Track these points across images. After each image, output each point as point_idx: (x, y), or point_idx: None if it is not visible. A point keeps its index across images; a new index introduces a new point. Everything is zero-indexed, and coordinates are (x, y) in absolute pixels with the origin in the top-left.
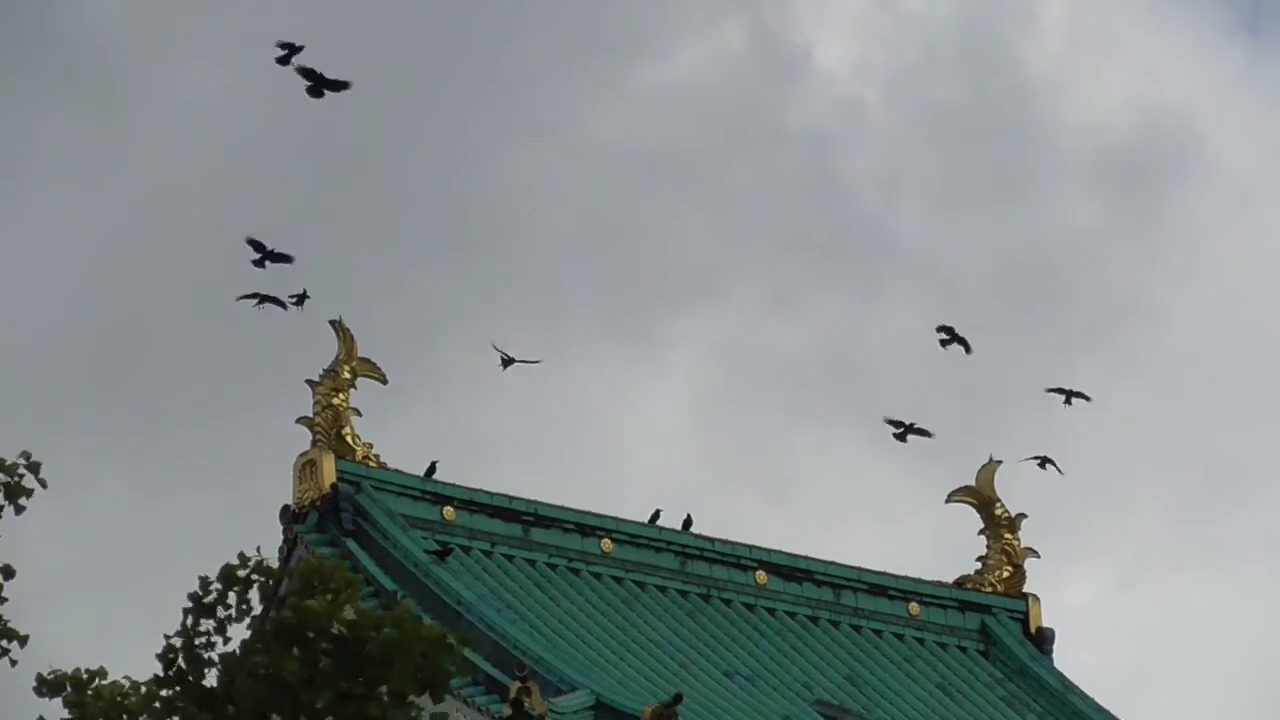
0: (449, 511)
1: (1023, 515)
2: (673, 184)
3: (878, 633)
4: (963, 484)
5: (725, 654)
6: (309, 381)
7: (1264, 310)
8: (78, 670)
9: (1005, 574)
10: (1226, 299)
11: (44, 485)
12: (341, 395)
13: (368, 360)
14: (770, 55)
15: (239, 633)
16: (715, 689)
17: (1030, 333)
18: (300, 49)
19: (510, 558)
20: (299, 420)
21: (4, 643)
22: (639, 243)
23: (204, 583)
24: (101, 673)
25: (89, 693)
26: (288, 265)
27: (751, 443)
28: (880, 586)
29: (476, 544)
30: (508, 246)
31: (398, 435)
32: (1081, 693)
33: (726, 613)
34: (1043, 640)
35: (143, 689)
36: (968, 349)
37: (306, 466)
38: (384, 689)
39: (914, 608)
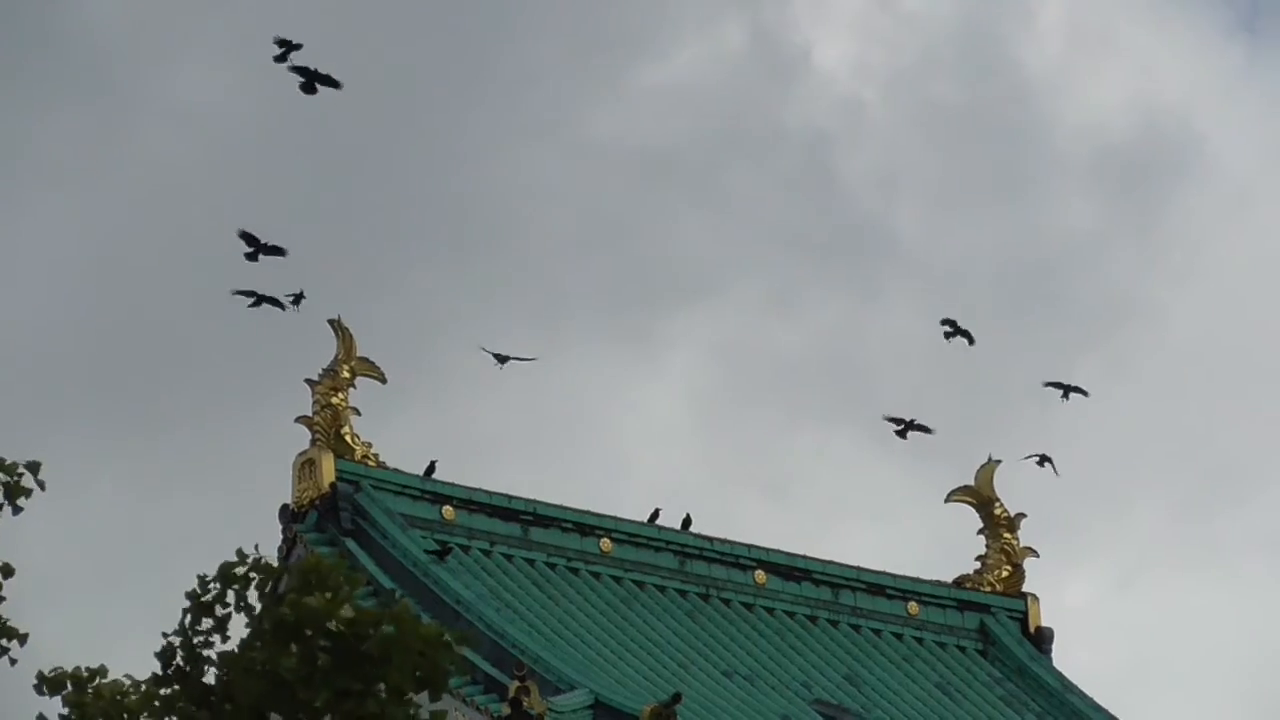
0: (448, 511)
1: (1022, 515)
2: (672, 184)
3: (876, 632)
4: (962, 483)
5: (724, 653)
6: (308, 381)
7: (1263, 310)
8: (78, 669)
9: (1004, 573)
10: (1225, 299)
11: (42, 488)
12: (340, 394)
13: (367, 359)
14: (769, 55)
15: (239, 631)
16: (714, 688)
17: (1029, 332)
18: (298, 46)
19: (509, 557)
20: (298, 419)
21: (3, 641)
22: (638, 242)
23: (202, 581)
24: (102, 671)
25: (89, 691)
26: (287, 264)
27: (750, 442)
28: (879, 586)
29: (475, 543)
30: (507, 246)
31: (397, 434)
32: (1080, 692)
33: (725, 612)
34: (1041, 640)
35: (142, 688)
36: (971, 340)
37: (305, 466)
38: (382, 687)
39: (913, 607)
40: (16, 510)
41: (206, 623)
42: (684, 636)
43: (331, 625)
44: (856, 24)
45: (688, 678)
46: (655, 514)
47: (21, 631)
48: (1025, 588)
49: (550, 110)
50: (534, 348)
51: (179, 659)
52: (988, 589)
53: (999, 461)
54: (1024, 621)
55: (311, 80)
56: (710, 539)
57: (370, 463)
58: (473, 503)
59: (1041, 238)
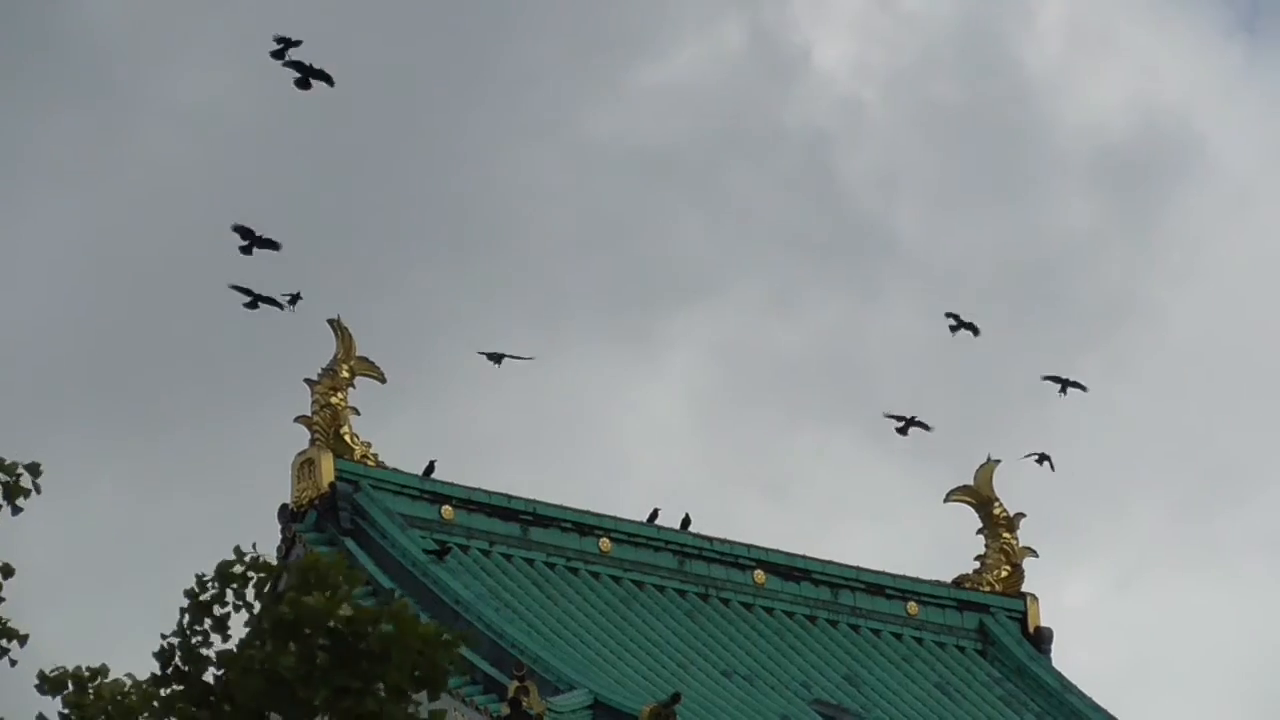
0: (447, 510)
1: (1021, 515)
2: (671, 184)
3: (876, 632)
4: (961, 483)
5: (723, 653)
6: (307, 380)
7: (1262, 310)
8: (79, 668)
9: (1003, 573)
10: (1225, 299)
11: (38, 490)
12: (340, 394)
13: (366, 359)
14: (769, 55)
15: (238, 630)
16: (713, 688)
17: (1029, 332)
18: (298, 43)
19: (508, 557)
20: (297, 419)
21: (3, 642)
22: (638, 242)
23: (200, 580)
24: (103, 671)
25: (89, 691)
26: (286, 264)
27: (750, 442)
28: (878, 586)
29: (475, 543)
30: (507, 246)
31: (396, 434)
32: (1079, 692)
33: (725, 612)
34: (1041, 640)
35: (143, 688)
36: (976, 332)
37: (305, 465)
38: (381, 686)
39: (912, 607)
40: (16, 510)
41: (205, 622)
42: (683, 636)
43: (331, 624)
44: (856, 24)
45: (687, 678)
46: (654, 514)
47: (22, 633)
48: (1024, 588)
49: (550, 110)
50: (534, 348)
51: (178, 659)
52: (987, 589)
53: (998, 461)
54: (1023, 621)
55: (306, 75)
56: (710, 539)
57: (369, 462)
58: (472, 502)
59: (1041, 237)
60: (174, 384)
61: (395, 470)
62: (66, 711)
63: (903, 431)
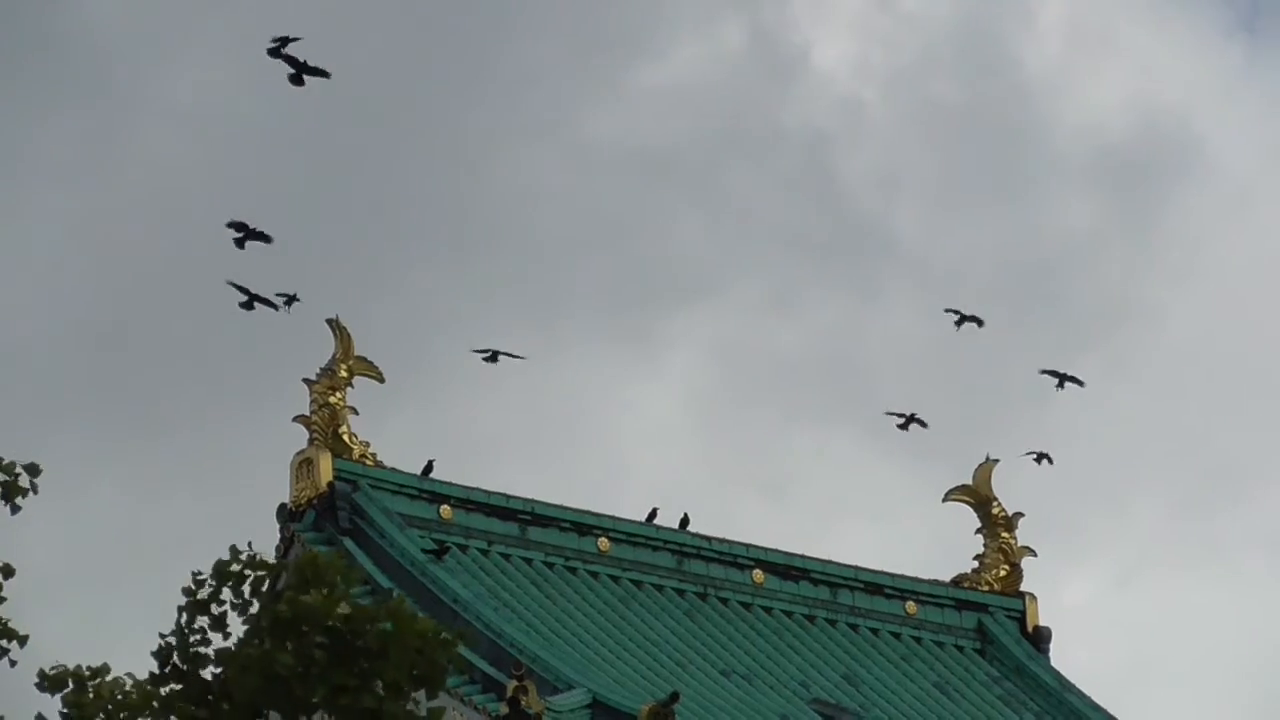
0: (446, 510)
1: (1020, 514)
2: (671, 184)
3: (875, 631)
4: (960, 483)
5: (722, 653)
6: (306, 380)
7: (1261, 310)
8: (79, 667)
9: (1002, 573)
10: (1224, 299)
11: (35, 490)
12: (338, 394)
13: (365, 359)
14: (768, 55)
15: (237, 628)
16: (712, 688)
17: (1028, 332)
18: (295, 40)
19: (507, 556)
20: (296, 419)
21: (4, 643)
22: (637, 242)
23: (196, 578)
24: (104, 670)
25: (88, 691)
26: (286, 263)
27: (749, 442)
28: (877, 585)
29: (473, 543)
30: (506, 246)
31: (395, 434)
32: (1078, 691)
33: (723, 611)
34: (1039, 639)
35: (144, 687)
36: (980, 323)
37: (303, 465)
38: (379, 683)
39: (911, 606)
40: (15, 509)
41: (202, 621)
42: (682, 636)
43: (329, 622)
44: (856, 24)
45: (685, 677)
46: (653, 513)
47: (22, 633)
48: (1023, 587)
49: (550, 110)
50: (533, 348)
51: (175, 657)
52: (986, 588)
53: (997, 461)
54: (1022, 621)
55: (300, 71)
56: (708, 538)
57: (368, 462)
58: (470, 502)
59: (1041, 237)
60: (173, 384)
61: (394, 470)
62: (66, 711)
63: (904, 427)
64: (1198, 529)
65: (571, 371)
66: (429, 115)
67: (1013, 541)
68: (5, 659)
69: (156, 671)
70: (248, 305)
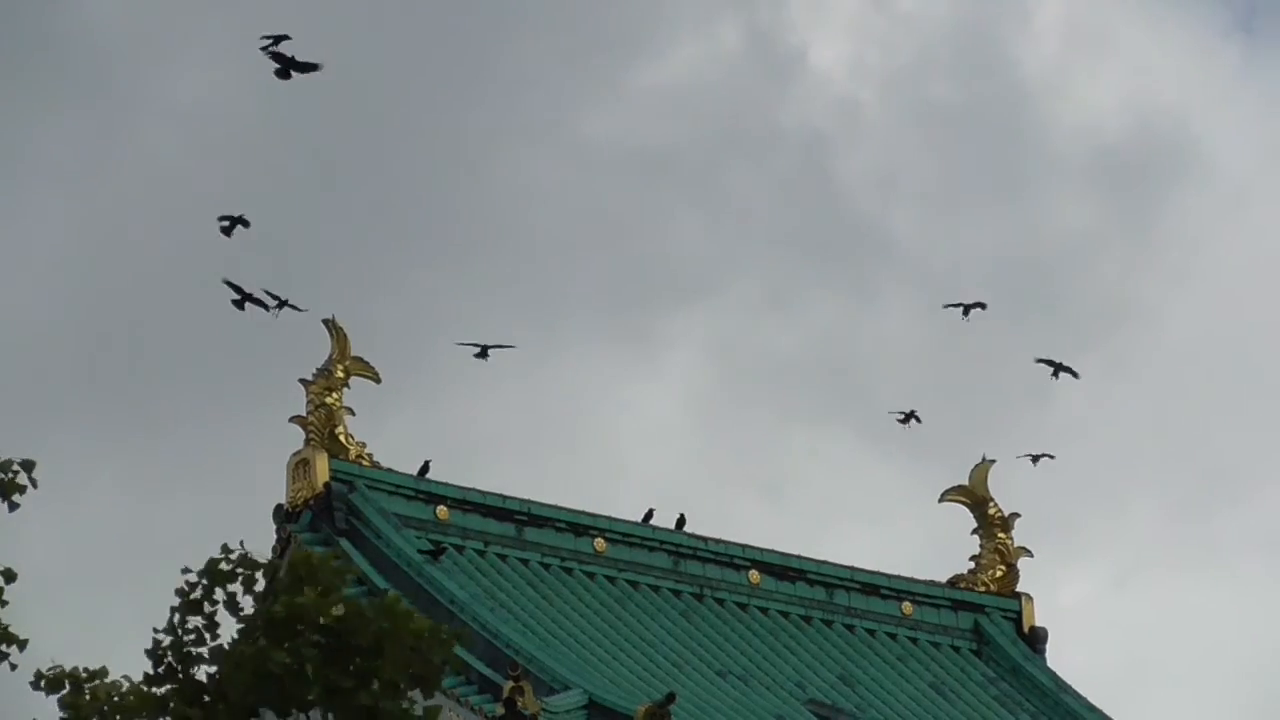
0: (442, 511)
1: (1016, 514)
2: (669, 184)
3: (871, 632)
4: (956, 483)
5: (718, 653)
6: (302, 380)
7: (1259, 310)
8: (76, 669)
9: (998, 573)
10: (1221, 299)
11: (34, 485)
12: (335, 394)
13: (361, 359)
14: (766, 55)
15: (230, 627)
16: (708, 688)
17: (1025, 332)
18: (286, 37)
19: (503, 557)
20: (292, 419)
21: (3, 647)
22: (635, 242)
23: (186, 577)
24: (102, 672)
25: (85, 692)
26: (285, 263)
27: (746, 442)
28: (873, 586)
29: (470, 543)
30: (505, 246)
31: (391, 434)
32: (1075, 692)
33: (720, 612)
34: (1036, 640)
35: (140, 688)
36: (983, 307)
37: (300, 466)
38: (375, 681)
39: (907, 607)
40: (13, 506)
41: (195, 620)
42: (678, 636)
43: (323, 621)
44: (853, 24)
45: (682, 678)
46: (650, 514)
47: (21, 638)
48: (1019, 588)
49: (549, 110)
50: (532, 347)
51: (169, 657)
52: (982, 589)
53: (993, 461)
54: (1018, 621)
55: (286, 66)
56: (705, 539)
57: (364, 462)
58: (467, 503)
59: (1038, 238)
60: (171, 385)
61: (390, 470)
62: (64, 715)
63: (904, 422)
64: (1195, 530)
65: (570, 371)
66: (428, 115)
67: (1009, 542)
68: (5, 663)
69: (151, 671)
70: (240, 304)
